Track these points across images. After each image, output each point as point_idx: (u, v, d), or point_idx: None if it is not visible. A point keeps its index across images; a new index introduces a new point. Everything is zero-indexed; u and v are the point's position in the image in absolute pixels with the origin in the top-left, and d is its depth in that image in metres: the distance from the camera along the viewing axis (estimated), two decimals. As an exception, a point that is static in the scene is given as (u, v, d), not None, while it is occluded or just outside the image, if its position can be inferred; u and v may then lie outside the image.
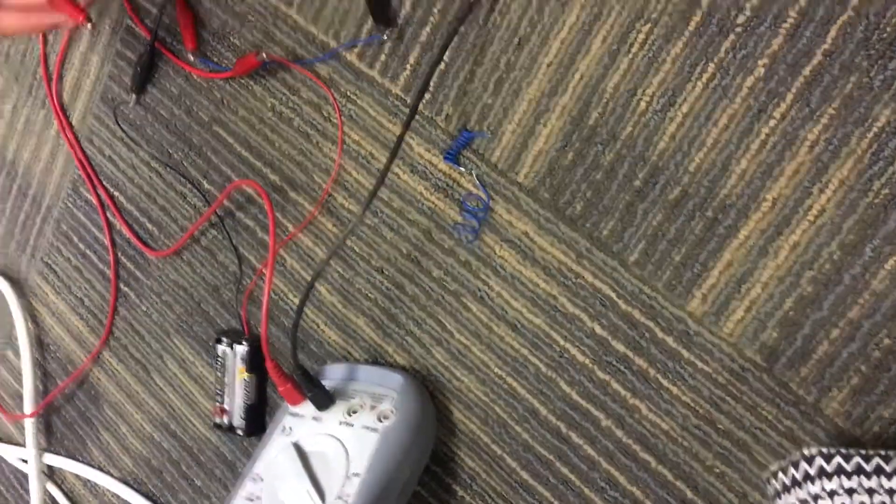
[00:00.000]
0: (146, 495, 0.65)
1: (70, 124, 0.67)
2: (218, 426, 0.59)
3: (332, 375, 0.53)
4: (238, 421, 0.58)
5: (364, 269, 0.53)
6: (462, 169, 0.49)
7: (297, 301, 0.56)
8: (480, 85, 0.48)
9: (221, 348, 0.58)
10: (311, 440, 0.49)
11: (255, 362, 0.58)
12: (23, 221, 0.71)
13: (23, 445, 0.71)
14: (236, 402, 0.58)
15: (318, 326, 0.56)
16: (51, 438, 0.71)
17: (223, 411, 0.58)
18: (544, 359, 0.47)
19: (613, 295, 0.45)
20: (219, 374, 0.58)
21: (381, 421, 0.48)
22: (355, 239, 0.54)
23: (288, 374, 0.51)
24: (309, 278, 0.56)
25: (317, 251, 0.56)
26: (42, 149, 0.69)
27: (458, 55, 0.48)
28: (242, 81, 0.57)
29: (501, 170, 0.48)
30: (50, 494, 0.71)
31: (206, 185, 0.60)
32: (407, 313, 0.52)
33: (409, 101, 0.50)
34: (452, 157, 0.49)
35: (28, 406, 0.70)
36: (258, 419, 0.59)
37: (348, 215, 0.54)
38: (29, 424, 0.70)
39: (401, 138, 0.47)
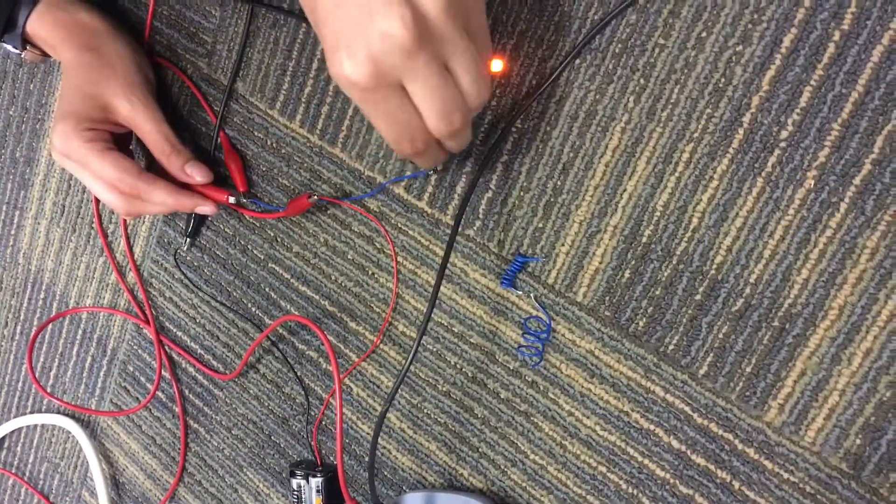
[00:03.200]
0: None
1: (131, 269, 0.69)
2: (299, 559, 0.59)
3: (411, 505, 0.53)
4: (319, 553, 0.58)
5: (431, 394, 0.54)
6: (520, 292, 0.50)
7: (367, 429, 0.57)
8: (530, 210, 0.49)
9: (296, 482, 0.59)
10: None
11: (331, 494, 0.58)
12: (90, 366, 0.73)
13: (105, 586, 0.72)
14: (315, 533, 0.58)
15: (391, 453, 0.56)
16: (132, 578, 0.72)
17: (303, 544, 0.59)
18: (623, 475, 0.47)
19: (687, 408, 0.45)
20: (296, 506, 0.59)
21: (466, 552, 0.48)
22: (420, 365, 0.55)
23: (368, 511, 0.51)
24: (377, 406, 0.56)
25: (382, 379, 0.56)
26: (103, 294, 0.71)
27: (505, 182, 0.49)
28: (294, 219, 0.59)
29: (559, 291, 0.48)
30: None
31: (267, 321, 0.61)
32: (478, 436, 0.52)
33: (459, 229, 0.52)
34: (509, 281, 0.50)
35: (108, 547, 0.70)
36: (339, 550, 0.59)
37: (410, 342, 0.55)
38: (110, 566, 0.70)
39: (445, 259, 0.48)
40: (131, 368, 0.70)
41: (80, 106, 0.56)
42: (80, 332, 0.73)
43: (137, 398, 0.70)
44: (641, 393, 0.46)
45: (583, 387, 0.48)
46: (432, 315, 0.54)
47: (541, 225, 0.49)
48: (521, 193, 0.49)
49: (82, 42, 0.58)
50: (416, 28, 0.35)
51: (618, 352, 0.47)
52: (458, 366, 0.53)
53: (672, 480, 0.45)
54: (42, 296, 0.75)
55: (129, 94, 0.57)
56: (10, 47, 0.61)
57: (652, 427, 0.46)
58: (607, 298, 0.47)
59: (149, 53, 0.63)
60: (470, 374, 0.52)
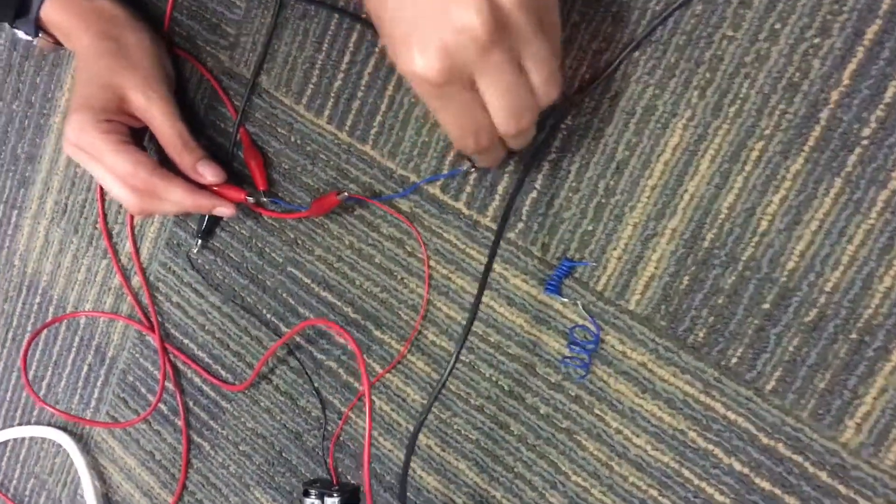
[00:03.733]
0: None
1: (136, 272, 0.65)
2: (311, 587, 0.55)
3: (440, 529, 0.49)
4: (333, 581, 0.54)
5: (462, 408, 0.50)
6: (565, 300, 0.46)
7: (390, 445, 0.53)
8: (578, 211, 0.46)
9: (310, 501, 0.55)
10: None
11: (347, 515, 0.54)
12: (86, 375, 0.69)
13: None
14: (329, 559, 0.54)
15: (415, 472, 0.52)
16: None
17: (315, 570, 0.54)
18: (677, 500, 0.43)
19: (752, 427, 0.42)
20: (308, 529, 0.55)
21: (504, 581, 0.44)
22: (451, 377, 0.51)
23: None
24: (401, 421, 0.53)
25: (407, 391, 0.53)
26: (104, 299, 0.67)
27: (552, 182, 0.46)
28: (317, 220, 0.55)
29: (609, 298, 0.45)
30: None
31: (283, 328, 0.58)
32: (514, 454, 0.48)
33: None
34: (554, 287, 0.46)
35: (97, 571, 0.65)
36: (355, 577, 0.54)
37: (441, 353, 0.51)
38: (99, 591, 0.65)
39: (488, 267, 0.45)
40: (131, 378, 0.66)
41: (96, 96, 0.53)
42: (76, 338, 0.69)
43: (137, 410, 0.65)
44: (700, 410, 0.43)
45: (633, 402, 0.45)
46: (465, 323, 0.50)
47: (590, 227, 0.45)
48: (570, 194, 0.46)
49: (100, 30, 0.55)
50: (492, 21, 0.33)
51: (674, 365, 0.43)
52: (493, 378, 0.49)
53: (732, 506, 0.42)
54: (38, 300, 0.71)
55: (146, 87, 0.54)
56: (21, 33, 0.57)
57: (710, 447, 0.43)
58: (663, 307, 0.44)
59: (168, 45, 0.60)
60: (506, 388, 0.49)
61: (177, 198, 0.53)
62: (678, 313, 0.43)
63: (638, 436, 0.45)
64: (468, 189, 0.50)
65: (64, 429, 0.70)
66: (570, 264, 0.46)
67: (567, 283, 0.47)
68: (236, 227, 0.59)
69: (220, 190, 0.55)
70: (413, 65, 0.34)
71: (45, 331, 0.70)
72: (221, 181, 0.54)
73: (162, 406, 0.64)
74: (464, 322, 0.50)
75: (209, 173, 0.54)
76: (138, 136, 0.56)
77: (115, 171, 0.52)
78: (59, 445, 0.70)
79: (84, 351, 0.68)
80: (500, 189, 0.48)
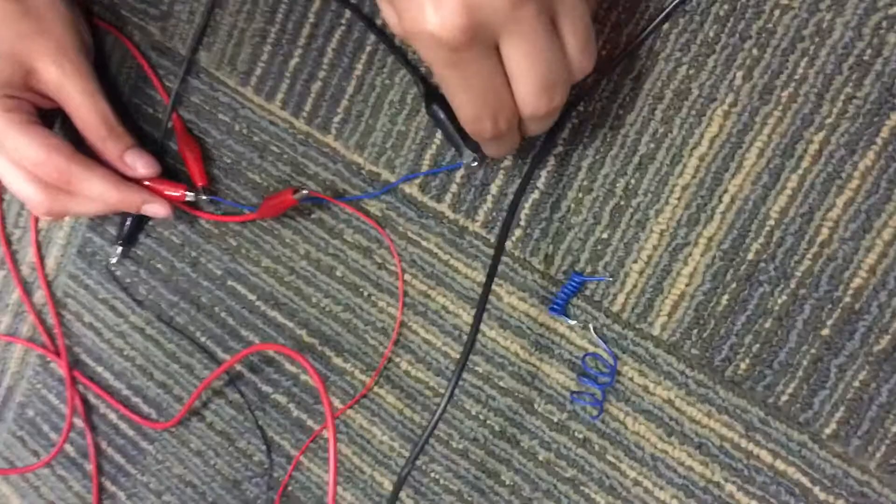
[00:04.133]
0: None
1: (40, 286, 0.54)
2: None
3: None
4: None
5: (442, 452, 0.42)
6: (573, 322, 0.38)
7: (352, 497, 0.44)
8: (591, 216, 0.38)
9: (250, 566, 0.45)
10: None
11: (297, 582, 0.44)
12: (-25, 408, 0.57)
13: None
14: None
15: (382, 531, 0.43)
16: None
17: None
18: (711, 567, 0.35)
19: (805, 480, 0.34)
20: None
21: None
22: (426, 413, 0.42)
23: None
24: (364, 467, 0.43)
25: (374, 432, 0.43)
26: (0, 318, 0.56)
27: (558, 180, 0.38)
28: (265, 225, 0.46)
29: (628, 321, 0.37)
30: None
31: (221, 355, 0.48)
32: (506, 510, 0.40)
33: (492, 239, 0.40)
34: (560, 307, 0.38)
35: None
36: None
37: (416, 386, 0.42)
38: None
39: (487, 290, 0.36)
40: (31, 413, 0.54)
41: None
42: (-36, 364, 0.57)
43: (37, 452, 0.54)
44: (740, 458, 0.35)
45: (656, 448, 0.37)
46: (447, 351, 0.42)
47: (605, 235, 0.38)
48: (580, 195, 0.38)
49: None
50: None
51: (708, 402, 0.36)
52: (481, 417, 0.41)
53: (780, 575, 0.34)
54: (-83, 317, 0.59)
55: (59, 56, 0.44)
56: None
57: (754, 503, 0.35)
58: (695, 332, 0.36)
59: (86, 14, 0.50)
60: (497, 428, 0.40)
61: (98, 191, 0.42)
62: (714, 340, 0.36)
63: (661, 488, 0.37)
64: (453, 188, 0.41)
65: (-55, 474, 0.58)
66: (581, 279, 0.38)
67: (575, 303, 0.39)
68: (165, 233, 0.49)
69: (154, 185, 0.45)
70: (426, 22, 0.26)
71: (-76, 355, 0.58)
72: (156, 173, 0.44)
73: (68, 447, 0.53)
74: (443, 346, 0.42)
75: (141, 164, 0.44)
76: (47, 120, 0.46)
77: (20, 160, 0.42)
78: (-61, 494, 0.58)
79: (-27, 380, 0.57)
80: (493, 188, 0.40)
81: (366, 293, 0.44)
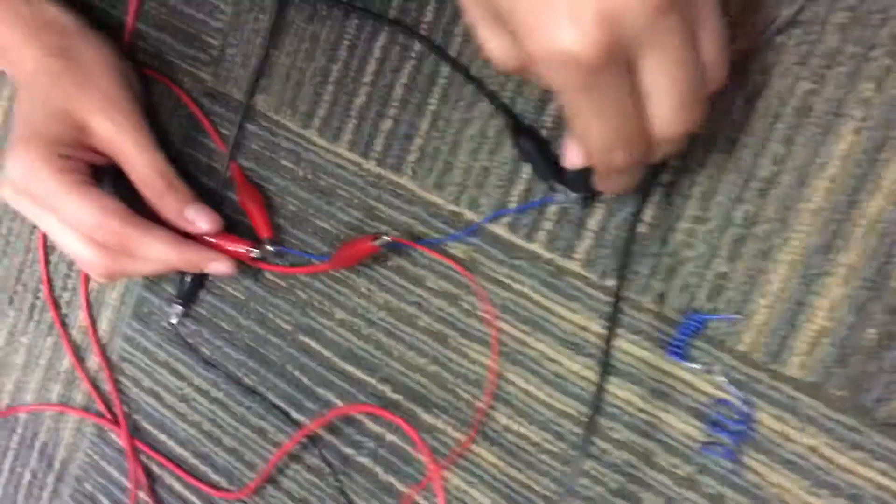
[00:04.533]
0: None
1: (94, 350, 0.51)
2: None
3: None
4: None
5: (552, 514, 0.38)
6: (696, 366, 0.35)
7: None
8: (707, 248, 0.35)
9: None
10: None
11: None
12: (28, 483, 0.54)
13: None
14: None
15: None
16: None
17: None
18: None
19: (985, 531, 0.30)
20: None
21: None
22: (531, 472, 0.39)
23: None
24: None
25: (472, 494, 0.40)
26: (50, 387, 0.53)
27: (667, 211, 0.35)
28: (337, 275, 0.43)
29: (760, 362, 0.34)
30: None
31: (296, 415, 0.44)
32: (630, 575, 0.36)
33: (594, 278, 0.37)
34: (679, 350, 0.35)
35: None
36: None
37: (516, 441, 0.39)
38: None
39: (611, 333, 0.33)
40: (90, 488, 0.51)
41: (48, 126, 0.40)
42: (14, 437, 0.54)
43: (98, 529, 0.51)
44: (903, 508, 0.31)
45: (801, 501, 0.33)
46: (551, 402, 0.38)
47: (726, 269, 0.34)
48: (694, 225, 0.35)
49: (49, 43, 0.42)
50: None
51: (859, 448, 0.32)
52: (594, 473, 0.37)
53: None
54: (-37, 391, 0.56)
55: (111, 109, 0.41)
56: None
57: (923, 559, 0.31)
58: (839, 371, 0.32)
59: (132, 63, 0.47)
60: (614, 486, 0.37)
61: (158, 253, 0.40)
62: (863, 378, 0.32)
63: (811, 545, 0.33)
64: (546, 226, 0.38)
65: (0, 556, 0.54)
66: (701, 318, 0.34)
67: (696, 344, 0.35)
68: (227, 289, 0.46)
69: (215, 241, 0.42)
70: (559, 40, 0.23)
71: (-27, 431, 0.55)
72: (218, 229, 0.41)
73: (132, 523, 0.49)
74: (549, 399, 0.38)
75: (203, 220, 0.41)
76: (100, 177, 0.43)
77: (77, 223, 0.39)
78: (-6, 579, 0.54)
79: (25, 454, 0.54)
80: (591, 223, 0.37)
81: (454, 343, 0.40)
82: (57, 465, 0.53)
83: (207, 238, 0.42)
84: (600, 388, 0.31)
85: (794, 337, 0.34)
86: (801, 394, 0.33)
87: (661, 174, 0.35)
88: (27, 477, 0.54)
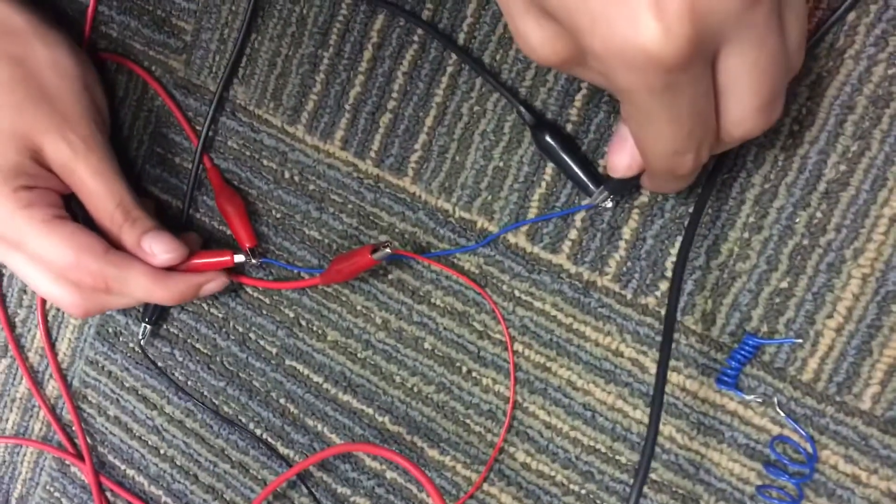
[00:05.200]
0: None
1: (53, 375, 0.45)
2: None
3: None
4: None
5: (580, 566, 0.33)
6: (749, 397, 0.30)
7: None
8: (763, 261, 0.30)
9: None
10: None
11: None
12: (-19, 525, 0.48)
13: None
14: None
15: None
16: None
17: None
18: None
19: None
20: None
21: None
22: (561, 499, 0.34)
23: None
24: None
25: (487, 540, 0.35)
26: (6, 415, 0.47)
27: (713, 219, 0.30)
28: (329, 291, 0.38)
29: (826, 393, 0.29)
30: None
31: (283, 449, 0.39)
32: None
33: (628, 296, 0.32)
34: (730, 379, 0.30)
35: None
36: None
37: (537, 481, 0.34)
38: None
39: (662, 379, 0.28)
40: (49, 528, 0.45)
41: (4, 155, 0.34)
42: (-35, 473, 0.48)
43: (59, 575, 0.45)
44: None
45: (877, 554, 0.28)
46: (576, 436, 0.33)
47: (785, 284, 0.29)
48: (746, 235, 0.30)
49: None
50: None
51: (948, 494, 0.27)
52: (630, 520, 0.32)
53: None
54: None
55: (65, 129, 0.36)
56: None
57: None
58: (922, 404, 0.28)
59: (91, 52, 0.42)
60: (653, 534, 0.32)
61: (140, 291, 0.34)
62: (951, 413, 0.27)
63: None
64: (572, 235, 0.33)
65: None
66: (756, 343, 0.30)
67: (751, 372, 0.30)
68: (203, 306, 0.41)
69: (197, 261, 0.37)
70: (638, 36, 0.19)
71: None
72: (180, 257, 0.36)
73: (97, 569, 0.44)
74: (574, 433, 0.33)
75: (160, 249, 0.35)
76: (69, 203, 0.38)
77: (48, 262, 0.33)
78: None
79: (-24, 492, 0.48)
80: (625, 232, 0.32)
81: (464, 369, 0.35)
82: (13, 502, 0.47)
83: (191, 261, 0.37)
84: (653, 429, 0.26)
85: (866, 365, 0.29)
86: (875, 430, 0.29)
87: (718, 174, 0.30)
88: (-21, 517, 0.48)
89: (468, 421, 0.35)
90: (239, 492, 0.40)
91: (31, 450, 0.46)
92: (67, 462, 0.45)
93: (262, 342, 0.40)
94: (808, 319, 0.30)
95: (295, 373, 0.39)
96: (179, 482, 0.42)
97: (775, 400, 0.30)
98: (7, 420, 0.47)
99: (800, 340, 0.30)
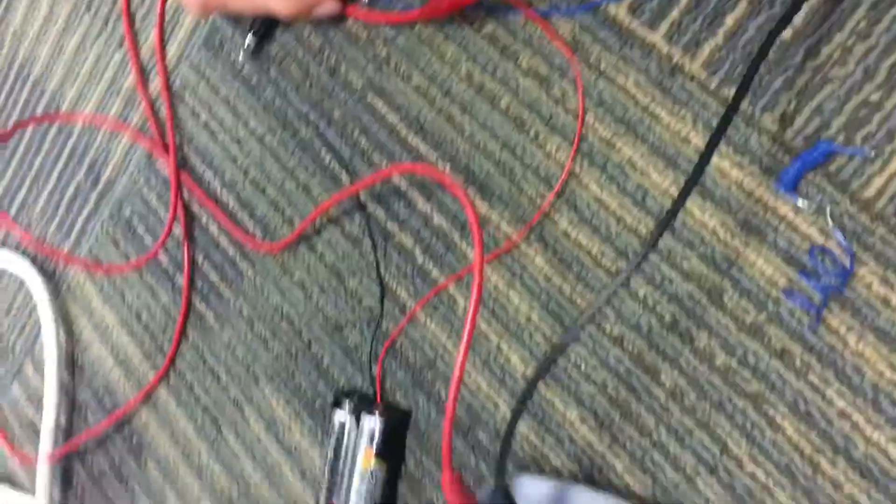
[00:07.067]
0: None
1: (158, 73, 0.48)
2: (320, 530, 0.40)
3: (529, 496, 0.33)
4: (352, 529, 0.39)
5: (590, 333, 0.34)
6: (803, 202, 0.30)
7: (469, 367, 0.37)
8: (860, 70, 0.29)
9: (340, 416, 0.39)
10: None
11: (389, 444, 0.39)
12: (72, 196, 0.52)
13: (31, 493, 0.53)
14: (351, 499, 0.39)
15: (498, 406, 0.36)
16: (68, 493, 0.52)
17: (331, 510, 0.39)
18: (924, 537, 0.27)
19: None
20: (331, 453, 0.39)
21: None
22: (580, 286, 0.35)
23: (470, 493, 0.31)
24: (492, 335, 0.36)
25: (510, 296, 0.36)
26: (110, 101, 0.50)
27: (821, 19, 0.29)
28: (423, 35, 0.38)
29: (882, 213, 0.29)
30: (57, 568, 0.51)
31: (344, 178, 0.41)
32: (657, 414, 0.33)
33: (713, 85, 0.31)
34: (790, 181, 0.30)
35: (45, 444, 0.51)
36: (383, 531, 0.39)
37: (573, 250, 0.35)
38: (43, 469, 0.51)
39: (707, 157, 0.27)
40: (128, 213, 0.50)
41: None
42: (67, 148, 0.53)
43: (128, 256, 0.49)
44: None
45: (882, 377, 0.28)
46: (623, 215, 0.34)
47: (876, 98, 0.29)
48: (851, 41, 0.29)
49: None
50: None
51: (974, 332, 0.27)
52: (650, 301, 0.33)
53: None
54: (26, 92, 0.54)
55: None
56: None
57: None
58: (978, 240, 0.27)
59: None
60: (669, 319, 0.33)
61: None
62: None
63: (877, 427, 0.29)
64: (674, 14, 0.32)
65: (32, 260, 0.54)
66: (829, 149, 0.29)
67: (811, 178, 0.30)
68: (304, 33, 0.42)
69: None
70: None
71: (29, 129, 0.54)
72: None
73: (162, 256, 0.48)
74: (621, 211, 0.34)
75: None
76: None
77: None
78: (23, 282, 0.54)
79: (74, 166, 0.52)
80: (728, 20, 0.31)
81: (533, 131, 0.36)
82: (102, 183, 0.51)
83: None
84: (681, 197, 0.27)
85: (934, 191, 0.28)
86: (922, 258, 0.28)
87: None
88: (71, 189, 0.53)
89: (523, 182, 0.36)
90: (298, 210, 0.43)
91: (126, 137, 0.50)
92: (154, 156, 0.48)
93: (350, 74, 0.41)
94: (888, 136, 0.29)
95: (374, 108, 0.40)
96: (248, 192, 0.45)
97: (828, 209, 0.30)
98: (111, 108, 0.50)
99: (873, 154, 0.29)
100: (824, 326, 0.30)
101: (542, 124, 0.36)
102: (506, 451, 0.28)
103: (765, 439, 0.31)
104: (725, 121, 0.27)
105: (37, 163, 0.54)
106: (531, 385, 0.27)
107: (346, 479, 0.39)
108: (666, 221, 0.26)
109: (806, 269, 0.30)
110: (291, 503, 0.42)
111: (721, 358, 0.32)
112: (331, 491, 0.39)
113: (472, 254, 0.37)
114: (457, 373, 0.27)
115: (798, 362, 0.30)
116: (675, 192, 0.33)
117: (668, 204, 0.33)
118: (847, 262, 0.29)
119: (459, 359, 0.27)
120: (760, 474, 0.31)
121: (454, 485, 0.31)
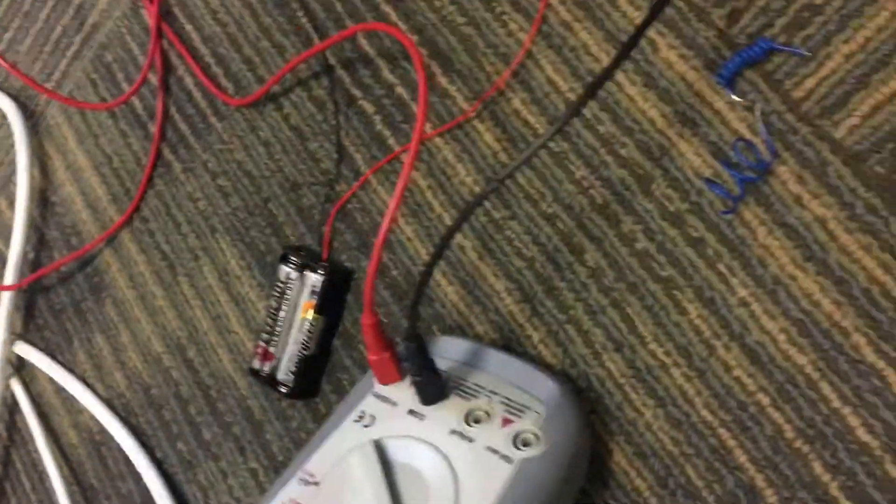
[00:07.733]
0: (133, 429, 0.48)
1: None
2: (255, 372, 0.42)
3: (448, 353, 0.35)
4: (284, 374, 0.41)
5: (527, 211, 0.36)
6: (738, 98, 0.31)
7: (410, 232, 0.39)
8: (811, -28, 0.29)
9: (286, 270, 0.41)
10: (402, 445, 0.32)
11: (328, 300, 0.41)
12: (58, 37, 0.53)
13: (-7, 322, 0.55)
14: (289, 348, 0.41)
15: (434, 276, 0.38)
16: (29, 323, 0.54)
17: (267, 355, 0.41)
18: (796, 420, 0.29)
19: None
20: (273, 303, 0.41)
21: (518, 447, 0.31)
22: (524, 167, 0.36)
23: (388, 340, 0.33)
24: (435, 204, 0.38)
25: (458, 168, 0.38)
26: (103, -54, 0.51)
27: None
28: None
29: (808, 114, 0.30)
30: (11, 392, 0.54)
31: (317, 40, 0.42)
32: (577, 291, 0.34)
33: (674, -25, 0.32)
34: (728, 76, 0.31)
35: (10, 275, 0.53)
36: (313, 379, 0.42)
37: (522, 129, 0.36)
38: (5, 298, 0.53)
39: (643, 28, 0.28)
40: (110, 58, 0.51)
41: None
42: (57, -11, 0.53)
43: (106, 99, 0.51)
44: (887, 309, 0.28)
45: (783, 270, 0.30)
46: (572, 97, 0.35)
47: (820, 1, 0.29)
48: (807, -58, 0.29)
49: None
50: None
51: (871, 234, 0.29)
52: (584, 183, 0.34)
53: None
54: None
55: None
56: None
57: (880, 363, 0.28)
58: (890, 146, 0.28)
59: None
60: (599, 202, 0.34)
61: None
62: (913, 161, 0.28)
63: (772, 317, 0.30)
64: None
65: (15, 98, 0.55)
66: (768, 46, 0.30)
67: (748, 76, 0.31)
68: None
69: None
70: None
71: (19, -35, 0.54)
72: None
73: (136, 102, 0.49)
74: (570, 94, 0.35)
75: None
76: None
77: None
78: (4, 116, 0.55)
79: (62, 8, 0.53)
80: (696, -88, 0.32)
81: (498, 9, 0.37)
82: (86, 27, 0.52)
83: None
84: (613, 66, 0.28)
85: (858, 96, 0.29)
86: (837, 159, 0.29)
87: None
88: (57, 31, 0.53)
89: (483, 59, 0.37)
90: (270, 69, 0.44)
91: (114, -18, 0.50)
92: (140, 3, 0.49)
93: (334, -63, 0.41)
94: (825, 39, 0.30)
95: (352, -27, 0.41)
96: (225, 47, 0.46)
97: (758, 106, 0.31)
98: (102, -49, 0.51)
99: (809, 54, 0.30)
100: (738, 219, 0.31)
101: (507, 2, 0.37)
102: (419, 297, 0.30)
103: (669, 321, 0.32)
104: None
105: (25, 4, 0.54)
106: (449, 234, 0.29)
107: (284, 329, 0.41)
108: (593, 86, 0.27)
109: (730, 161, 0.31)
110: (234, 349, 0.44)
111: (642, 243, 0.33)
112: (269, 336, 0.41)
113: (431, 127, 0.38)
114: (386, 223, 0.29)
115: (710, 252, 0.32)
116: (621, 80, 0.34)
117: (615, 87, 0.34)
118: (768, 158, 0.30)
119: (392, 205, 0.28)
120: (660, 353, 0.32)
121: (373, 328, 0.33)
